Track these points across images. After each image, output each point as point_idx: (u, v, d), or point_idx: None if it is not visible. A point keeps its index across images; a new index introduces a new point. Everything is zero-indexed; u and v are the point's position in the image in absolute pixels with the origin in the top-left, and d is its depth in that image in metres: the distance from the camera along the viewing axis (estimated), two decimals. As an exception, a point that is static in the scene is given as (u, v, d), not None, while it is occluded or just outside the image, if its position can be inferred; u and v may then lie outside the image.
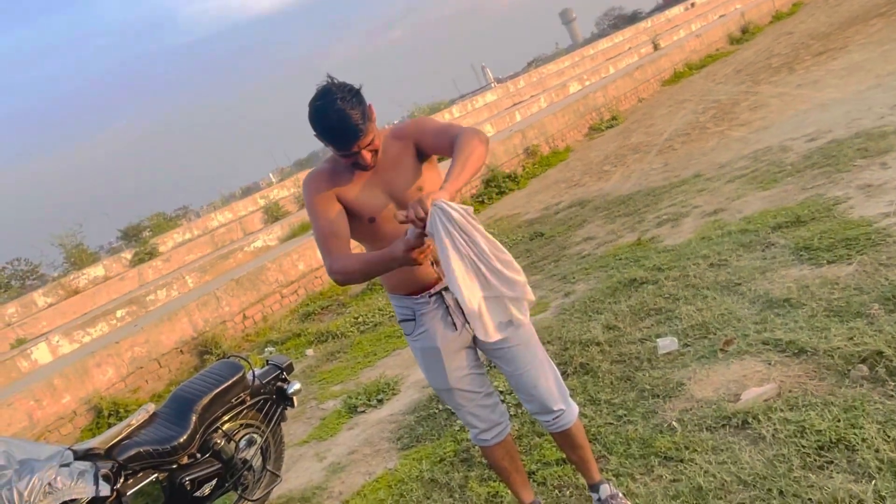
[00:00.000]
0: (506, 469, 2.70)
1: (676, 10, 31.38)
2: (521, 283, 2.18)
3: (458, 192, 2.12)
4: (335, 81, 2.23)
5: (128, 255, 14.96)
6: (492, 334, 2.18)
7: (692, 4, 31.20)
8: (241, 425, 3.69)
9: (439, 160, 2.62)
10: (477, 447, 3.54)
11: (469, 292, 2.10)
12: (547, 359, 2.57)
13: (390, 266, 2.21)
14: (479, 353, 2.61)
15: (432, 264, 2.38)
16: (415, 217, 2.03)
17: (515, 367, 2.50)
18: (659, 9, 49.65)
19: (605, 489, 2.70)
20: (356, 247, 2.45)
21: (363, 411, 4.77)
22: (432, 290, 2.44)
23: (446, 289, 2.41)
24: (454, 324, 2.46)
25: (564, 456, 3.12)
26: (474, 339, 2.51)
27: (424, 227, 2.05)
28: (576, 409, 2.63)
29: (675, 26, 24.64)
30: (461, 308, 2.39)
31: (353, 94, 2.20)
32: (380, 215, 2.36)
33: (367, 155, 2.26)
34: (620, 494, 2.71)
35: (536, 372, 2.50)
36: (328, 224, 2.33)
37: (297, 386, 3.92)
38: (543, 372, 2.52)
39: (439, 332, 2.47)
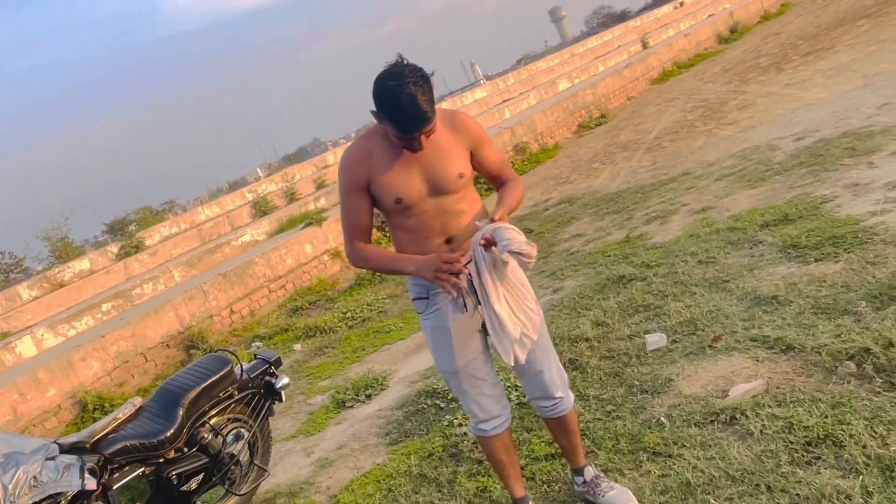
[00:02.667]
0: (501, 462, 2.72)
1: (665, 9, 31.45)
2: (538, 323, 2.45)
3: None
4: (407, 63, 2.22)
5: (114, 248, 14.80)
6: (521, 358, 2.38)
7: (681, 3, 31.28)
8: (229, 420, 3.66)
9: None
10: (466, 442, 3.54)
11: (510, 319, 2.32)
12: (552, 348, 2.65)
13: (404, 272, 2.36)
14: (489, 339, 2.62)
15: (447, 241, 2.40)
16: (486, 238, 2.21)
17: None
18: (648, 7, 49.79)
19: (590, 471, 2.77)
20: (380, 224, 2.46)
21: (351, 406, 4.76)
22: None
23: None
24: (465, 305, 2.47)
25: (554, 445, 3.16)
26: (483, 323, 2.54)
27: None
28: (572, 397, 2.73)
29: (664, 25, 24.72)
30: (474, 290, 2.42)
31: (425, 80, 2.19)
32: (408, 196, 2.35)
33: (423, 140, 2.26)
34: (602, 474, 2.78)
35: (542, 359, 2.57)
36: (353, 215, 2.45)
37: (285, 380, 3.90)
38: (548, 360, 2.60)
39: (450, 313, 2.49)
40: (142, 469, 3.24)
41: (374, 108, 2.26)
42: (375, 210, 2.51)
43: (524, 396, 3.68)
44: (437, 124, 2.34)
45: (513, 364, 2.37)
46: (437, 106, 2.31)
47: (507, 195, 2.48)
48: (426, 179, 2.35)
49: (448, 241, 2.42)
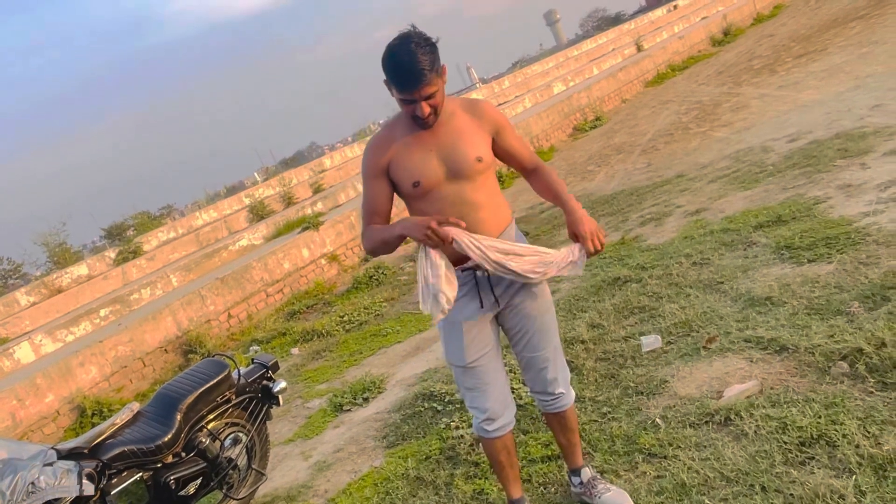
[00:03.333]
0: (501, 463, 2.73)
1: (659, 12, 31.52)
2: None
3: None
4: (416, 30, 2.28)
5: (112, 253, 14.76)
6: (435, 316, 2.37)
7: (675, 6, 31.34)
8: (227, 424, 3.66)
9: None
10: (463, 445, 3.54)
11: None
12: (560, 347, 2.68)
13: (392, 235, 2.34)
14: (500, 336, 2.65)
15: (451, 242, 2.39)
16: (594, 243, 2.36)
17: (531, 350, 2.60)
18: (642, 10, 49.91)
19: (587, 472, 2.79)
20: (402, 212, 2.50)
21: (349, 410, 4.75)
22: (465, 266, 2.45)
23: (479, 267, 2.42)
24: (481, 301, 2.48)
25: (551, 447, 3.17)
26: (496, 318, 2.56)
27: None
28: (573, 395, 2.75)
29: (658, 28, 24.77)
30: (490, 285, 2.46)
31: (428, 44, 2.25)
32: (426, 180, 2.37)
33: (425, 107, 2.28)
34: (599, 476, 2.80)
35: (548, 356, 2.61)
36: (371, 200, 2.48)
37: (282, 384, 3.89)
38: (554, 357, 2.63)
39: (465, 308, 2.50)
40: (140, 474, 3.24)
41: (384, 76, 2.30)
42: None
43: (520, 399, 3.68)
44: (450, 106, 2.40)
45: (427, 310, 2.37)
46: (461, 96, 2.32)
47: (558, 187, 2.54)
48: (444, 162, 2.37)
49: None
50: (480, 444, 3.12)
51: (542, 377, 2.64)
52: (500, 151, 2.53)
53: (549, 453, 3.17)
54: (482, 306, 2.49)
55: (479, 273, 2.45)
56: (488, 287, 2.47)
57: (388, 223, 2.50)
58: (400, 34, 2.27)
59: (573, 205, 2.43)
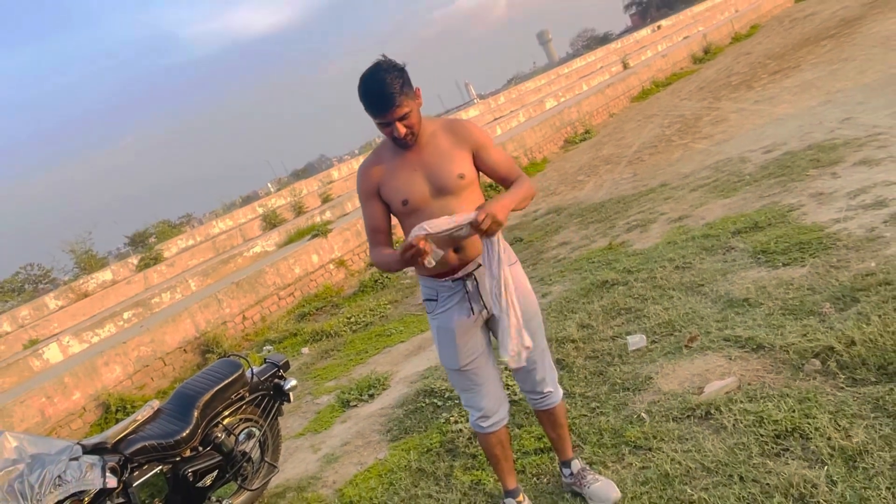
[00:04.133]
0: (496, 456, 2.73)
1: (644, 32, 31.55)
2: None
3: (507, 210, 2.25)
4: (385, 58, 2.29)
5: (134, 260, 14.76)
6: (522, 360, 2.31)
7: (658, 27, 31.39)
8: (241, 420, 3.66)
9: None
10: (462, 438, 3.53)
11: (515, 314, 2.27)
12: (547, 348, 2.67)
13: (393, 266, 2.32)
14: (492, 339, 2.64)
15: (455, 251, 2.37)
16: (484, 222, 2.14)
17: None
18: (628, 30, 50.02)
19: (576, 464, 2.79)
20: (395, 225, 2.51)
21: (355, 405, 4.75)
22: (455, 276, 2.45)
23: (468, 276, 2.43)
24: (471, 308, 2.48)
25: (543, 440, 3.16)
26: (486, 323, 2.55)
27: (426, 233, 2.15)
28: (561, 392, 2.75)
29: (643, 47, 24.79)
30: (480, 294, 2.45)
31: (398, 70, 2.25)
32: (413, 198, 2.37)
33: (401, 128, 2.28)
34: (588, 467, 2.79)
35: (535, 359, 2.59)
36: (370, 220, 2.50)
37: (293, 382, 3.89)
38: (541, 359, 2.62)
39: (456, 315, 2.49)
40: (160, 467, 3.23)
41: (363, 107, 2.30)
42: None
43: (514, 395, 3.68)
44: (433, 127, 2.41)
45: (514, 366, 2.33)
46: (444, 117, 2.30)
47: (510, 189, 2.42)
48: (429, 180, 2.37)
49: (457, 250, 2.40)
50: (477, 439, 3.11)
51: (531, 378, 2.64)
52: (481, 167, 2.49)
53: (542, 446, 3.17)
54: (472, 313, 2.48)
55: (469, 283, 2.45)
56: (478, 296, 2.47)
57: (390, 238, 2.52)
58: (371, 64, 2.27)
59: (501, 195, 2.34)
